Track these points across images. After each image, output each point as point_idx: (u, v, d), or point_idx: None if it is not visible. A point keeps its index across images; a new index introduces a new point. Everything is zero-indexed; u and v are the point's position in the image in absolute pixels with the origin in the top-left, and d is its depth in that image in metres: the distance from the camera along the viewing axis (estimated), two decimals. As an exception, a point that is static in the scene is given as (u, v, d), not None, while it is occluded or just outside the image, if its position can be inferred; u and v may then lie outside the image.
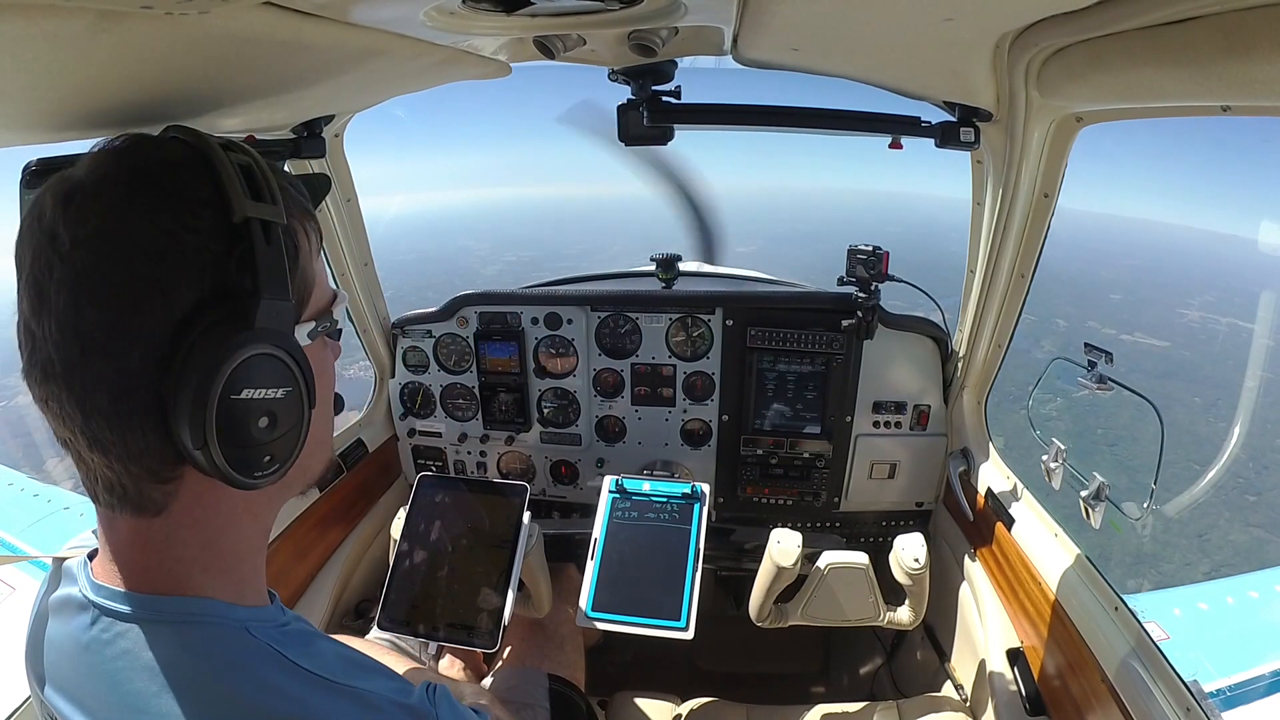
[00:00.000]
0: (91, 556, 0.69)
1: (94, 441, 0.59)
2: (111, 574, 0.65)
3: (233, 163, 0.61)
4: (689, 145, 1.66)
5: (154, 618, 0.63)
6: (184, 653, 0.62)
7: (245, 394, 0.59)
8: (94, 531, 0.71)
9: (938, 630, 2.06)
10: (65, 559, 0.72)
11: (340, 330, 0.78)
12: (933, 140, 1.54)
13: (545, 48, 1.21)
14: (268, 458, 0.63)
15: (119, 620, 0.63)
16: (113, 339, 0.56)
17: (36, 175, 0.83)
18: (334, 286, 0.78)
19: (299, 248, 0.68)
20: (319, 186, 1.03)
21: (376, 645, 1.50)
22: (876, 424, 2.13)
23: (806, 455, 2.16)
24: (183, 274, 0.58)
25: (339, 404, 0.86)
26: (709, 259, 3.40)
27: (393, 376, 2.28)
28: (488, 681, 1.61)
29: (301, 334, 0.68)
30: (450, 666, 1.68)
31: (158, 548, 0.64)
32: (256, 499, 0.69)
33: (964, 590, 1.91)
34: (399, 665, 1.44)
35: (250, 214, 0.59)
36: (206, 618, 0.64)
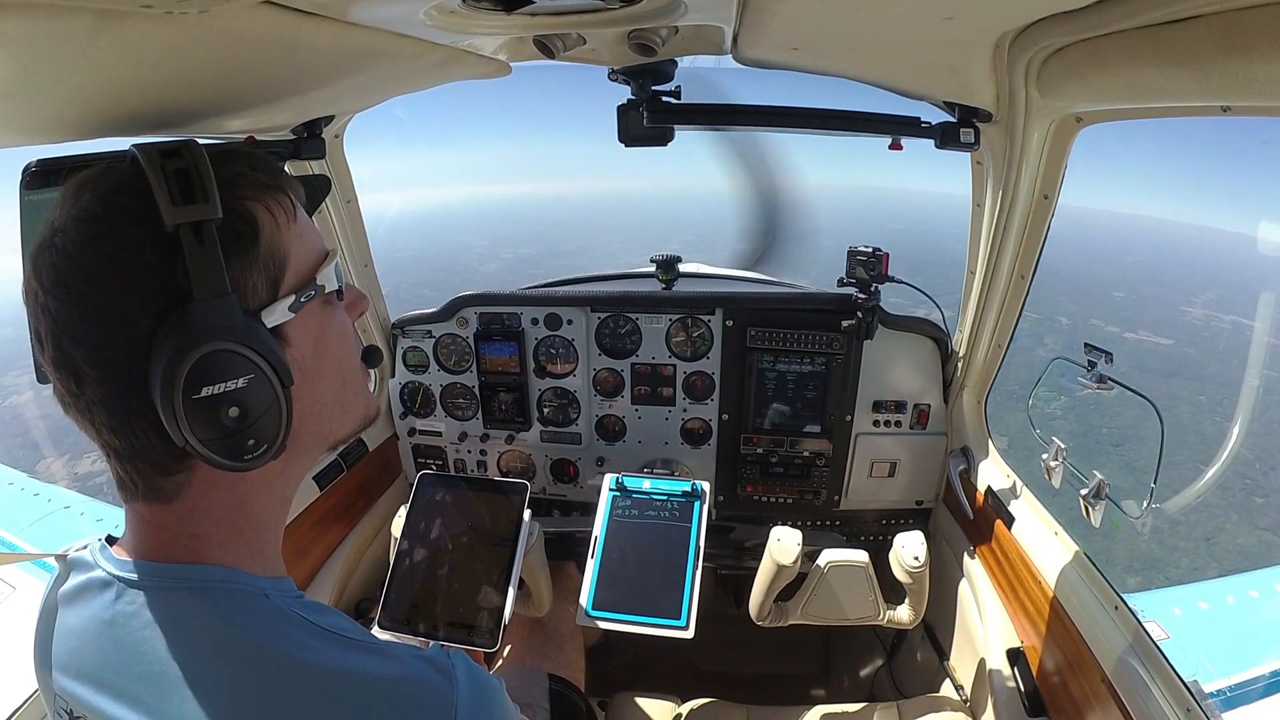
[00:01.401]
0: (110, 542, 0.72)
1: (111, 451, 0.66)
2: (134, 551, 0.69)
3: (166, 171, 0.61)
4: (686, 140, 1.66)
5: (178, 585, 0.67)
6: (210, 616, 0.65)
7: (205, 392, 0.62)
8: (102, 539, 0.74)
9: (937, 630, 2.06)
10: (68, 555, 0.74)
11: (339, 290, 0.76)
12: (933, 141, 1.54)
13: (545, 47, 1.21)
14: (251, 441, 0.65)
15: (143, 590, 0.67)
16: (97, 368, 0.61)
17: (36, 176, 0.83)
18: (323, 246, 0.76)
19: (258, 227, 0.67)
20: (319, 188, 1.04)
21: None
22: (876, 423, 2.13)
23: (806, 454, 2.16)
24: (134, 296, 0.61)
25: (373, 357, 0.86)
26: (760, 266, 3.19)
27: (393, 376, 2.28)
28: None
29: (279, 311, 0.68)
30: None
31: (176, 526, 0.68)
32: (268, 473, 0.71)
33: (964, 589, 1.91)
34: None
35: (180, 219, 0.60)
36: (229, 584, 0.68)
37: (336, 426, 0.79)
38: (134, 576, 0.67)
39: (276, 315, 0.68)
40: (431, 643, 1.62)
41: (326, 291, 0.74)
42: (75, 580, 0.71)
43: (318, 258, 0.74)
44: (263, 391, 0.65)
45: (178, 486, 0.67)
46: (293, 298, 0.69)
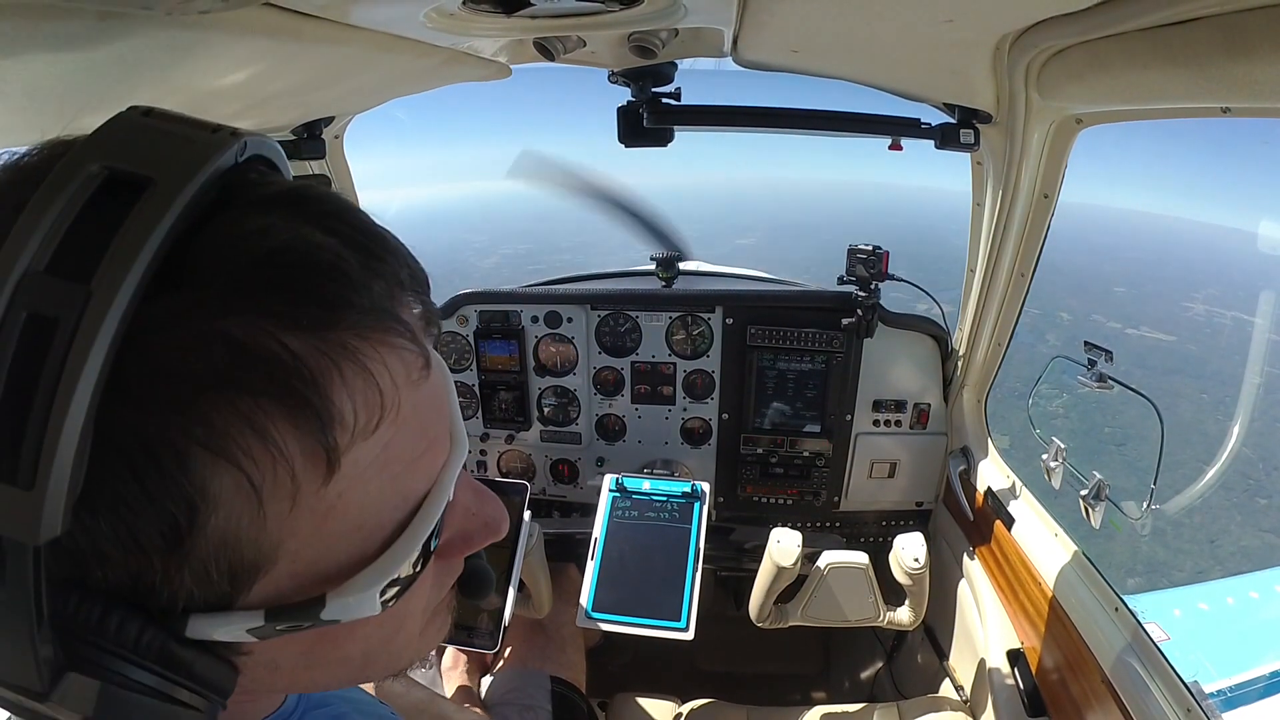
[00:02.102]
0: None
1: None
2: None
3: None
4: (686, 138, 1.66)
5: None
6: None
7: None
8: None
9: (937, 630, 2.06)
10: None
11: (405, 587, 0.40)
12: (932, 142, 1.54)
13: (545, 49, 1.21)
14: None
15: None
16: None
17: None
18: (383, 530, 0.39)
19: (196, 511, 0.31)
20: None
21: None
22: (876, 423, 2.13)
23: (806, 454, 2.16)
24: None
25: (480, 586, 0.51)
26: (687, 253, 3.21)
27: None
28: (489, 682, 1.61)
29: (229, 628, 0.35)
30: (453, 665, 1.68)
31: None
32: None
33: (964, 590, 1.91)
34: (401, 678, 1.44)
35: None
36: None
37: (346, 683, 0.49)
38: None
39: (217, 633, 0.35)
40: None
41: (353, 620, 0.38)
42: None
43: (355, 558, 0.38)
44: None
45: None
46: (261, 621, 0.35)
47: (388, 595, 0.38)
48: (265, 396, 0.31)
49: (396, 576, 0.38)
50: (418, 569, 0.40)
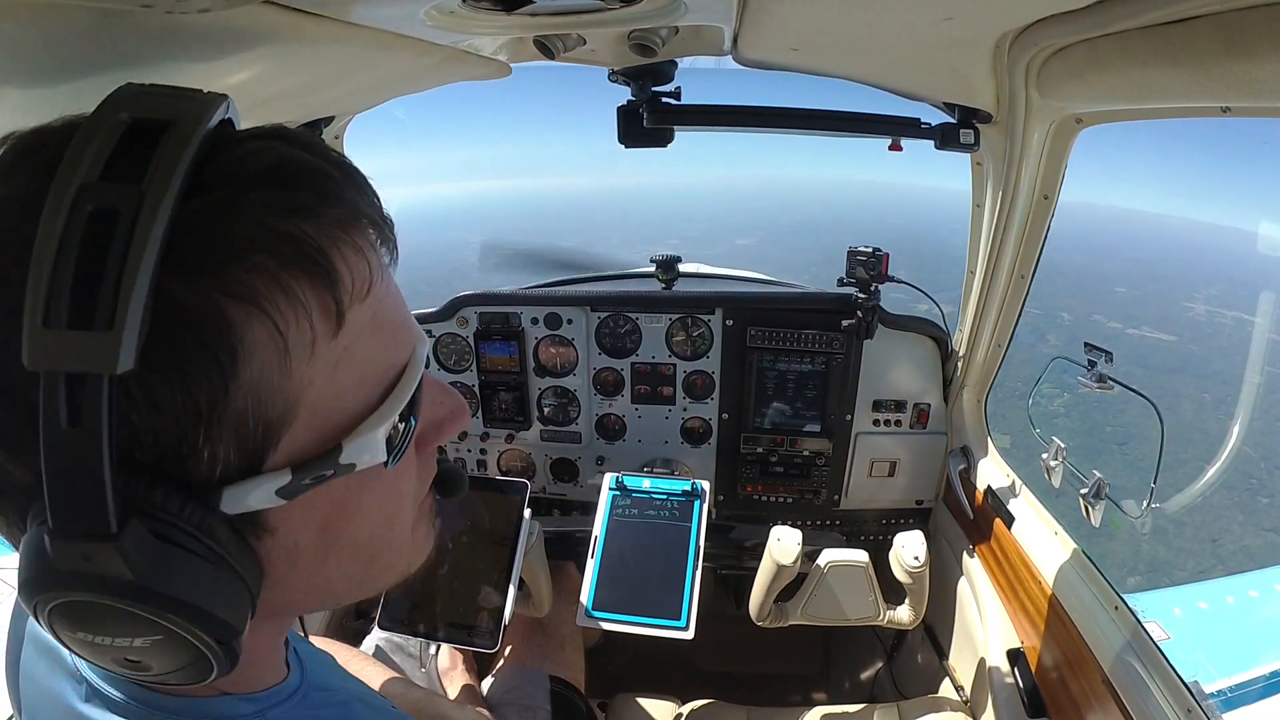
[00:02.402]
0: None
1: None
2: None
3: (71, 234, 0.34)
4: (687, 136, 1.66)
5: (156, 716, 0.50)
6: None
7: (82, 635, 0.40)
8: None
9: (937, 630, 2.06)
10: None
11: (400, 448, 0.48)
12: (932, 142, 1.54)
13: (545, 48, 1.21)
14: (172, 684, 0.45)
15: (114, 712, 0.50)
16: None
17: None
18: (387, 377, 0.47)
19: (236, 354, 0.38)
20: None
21: (372, 660, 1.47)
22: (876, 422, 2.13)
23: (806, 453, 2.16)
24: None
25: (454, 485, 0.59)
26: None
27: None
28: (488, 682, 1.61)
29: (259, 494, 0.41)
30: (452, 665, 1.68)
31: None
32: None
33: (964, 589, 1.91)
34: (398, 673, 1.44)
35: (42, 363, 0.34)
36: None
37: (349, 598, 0.56)
38: (106, 691, 0.50)
39: (249, 499, 0.41)
40: (431, 645, 1.62)
41: (361, 469, 0.45)
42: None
43: (363, 405, 0.45)
44: (182, 648, 0.41)
45: None
46: (286, 477, 0.41)
47: (391, 444, 0.46)
48: (287, 261, 0.39)
49: (395, 424, 0.46)
50: (408, 425, 0.48)
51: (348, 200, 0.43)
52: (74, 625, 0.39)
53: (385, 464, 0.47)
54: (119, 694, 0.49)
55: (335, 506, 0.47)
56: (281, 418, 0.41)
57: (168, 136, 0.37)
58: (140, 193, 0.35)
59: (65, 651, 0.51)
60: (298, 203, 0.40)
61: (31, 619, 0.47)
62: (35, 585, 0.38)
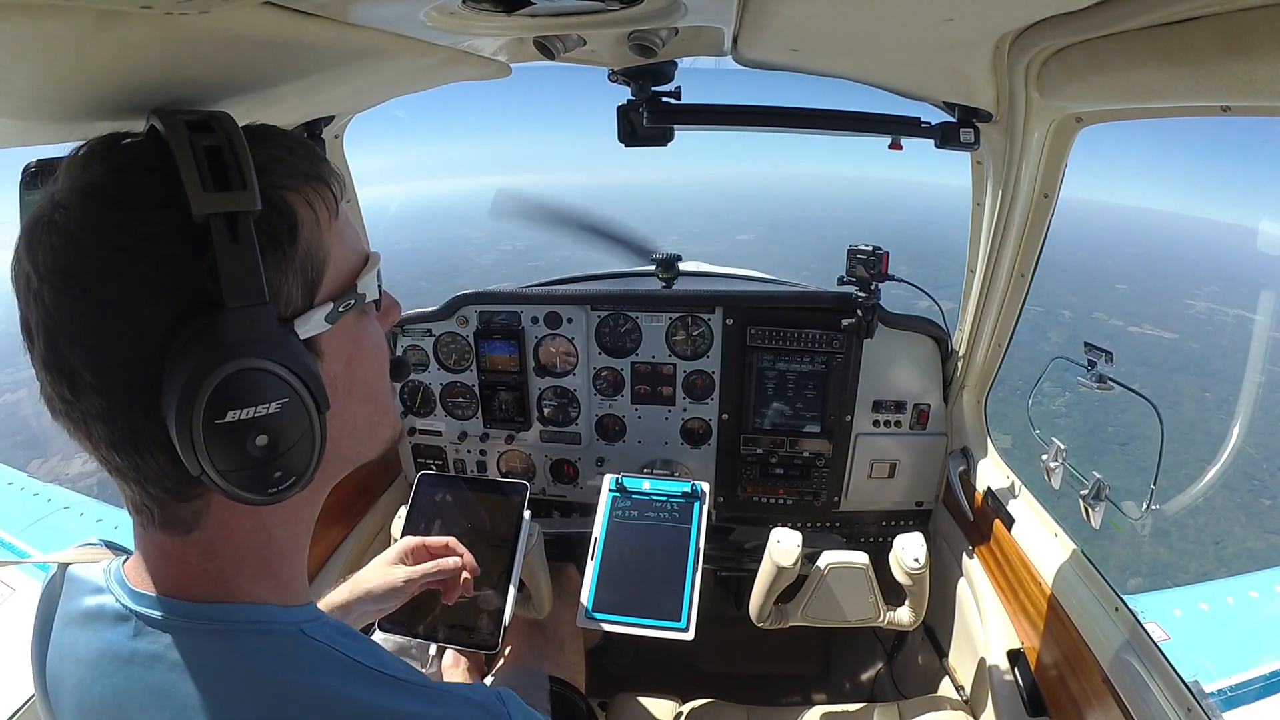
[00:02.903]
0: (113, 548, 0.69)
1: (112, 468, 0.58)
2: (153, 583, 0.62)
3: (196, 148, 0.53)
4: (687, 134, 1.66)
5: (206, 627, 0.60)
6: (244, 661, 0.59)
7: (231, 417, 0.53)
8: (102, 541, 0.71)
9: (937, 630, 2.06)
10: (70, 564, 0.70)
11: (378, 299, 0.69)
12: (933, 141, 1.54)
13: (545, 48, 1.21)
14: (278, 474, 0.57)
15: (167, 631, 0.60)
16: (94, 373, 0.53)
17: (36, 176, 0.83)
18: (364, 248, 0.69)
19: (297, 223, 0.59)
20: None
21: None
22: (876, 423, 2.13)
23: (806, 454, 2.16)
24: (150, 295, 0.53)
25: (401, 370, 0.79)
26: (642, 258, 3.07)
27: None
28: (488, 683, 1.61)
29: (315, 321, 0.61)
30: (454, 665, 1.68)
31: (198, 560, 0.62)
32: (294, 500, 0.61)
33: (964, 590, 1.91)
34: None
35: (210, 209, 0.52)
36: (262, 625, 0.62)
37: (365, 449, 0.72)
38: (155, 614, 0.60)
39: (311, 326, 0.60)
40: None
41: (366, 301, 0.66)
42: (83, 602, 0.65)
43: (358, 261, 0.66)
44: (296, 418, 0.57)
45: (195, 514, 0.60)
46: (330, 306, 0.62)
47: (370, 299, 0.67)
48: (317, 174, 0.63)
49: (374, 293, 0.68)
50: (369, 298, 0.68)
51: (325, 163, 0.67)
52: (230, 401, 0.53)
53: (377, 303, 0.70)
54: (162, 613, 0.60)
55: (352, 344, 0.66)
56: (322, 266, 0.62)
57: (219, 121, 0.58)
58: (232, 146, 0.55)
59: (111, 599, 0.63)
60: (310, 159, 0.64)
61: (61, 609, 0.67)
62: (211, 359, 0.53)
